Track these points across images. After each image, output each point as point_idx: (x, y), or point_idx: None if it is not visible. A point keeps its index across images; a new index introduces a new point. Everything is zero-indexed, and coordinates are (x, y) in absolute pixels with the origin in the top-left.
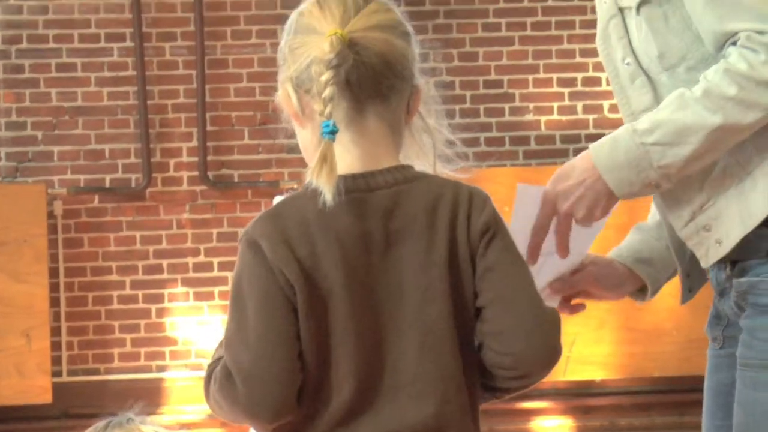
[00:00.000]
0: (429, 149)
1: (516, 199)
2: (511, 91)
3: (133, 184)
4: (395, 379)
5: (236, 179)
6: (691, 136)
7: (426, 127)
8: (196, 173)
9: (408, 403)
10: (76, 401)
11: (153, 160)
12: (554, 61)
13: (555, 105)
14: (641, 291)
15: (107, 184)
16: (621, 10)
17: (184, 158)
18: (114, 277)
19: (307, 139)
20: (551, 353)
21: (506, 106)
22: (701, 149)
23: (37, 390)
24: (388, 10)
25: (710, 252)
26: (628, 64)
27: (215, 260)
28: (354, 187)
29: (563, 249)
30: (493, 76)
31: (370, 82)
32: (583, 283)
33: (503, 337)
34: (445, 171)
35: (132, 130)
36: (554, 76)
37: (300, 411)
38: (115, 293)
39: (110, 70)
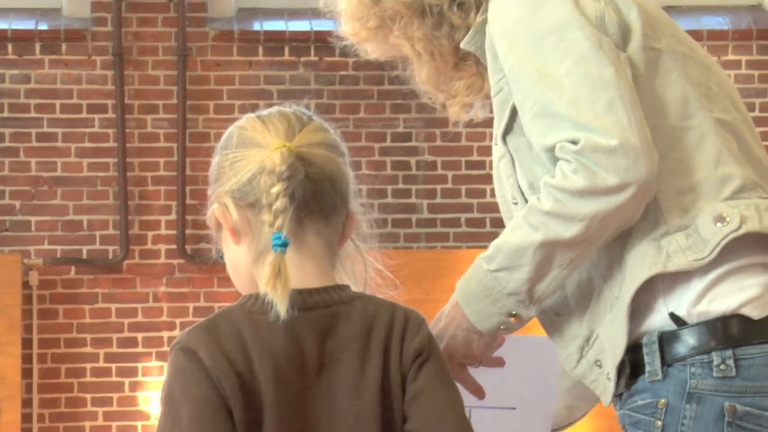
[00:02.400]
0: (359, 276)
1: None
2: (492, 172)
3: (110, 256)
4: None
5: (214, 254)
6: (523, 257)
7: (358, 252)
8: (174, 246)
9: None
10: None
11: (131, 232)
12: None
13: None
14: None
15: (84, 256)
16: (509, 150)
17: (163, 231)
18: (88, 349)
19: (239, 256)
20: None
21: (487, 188)
22: (536, 270)
23: None
24: (328, 130)
25: (606, 390)
26: (515, 203)
27: None
28: (293, 304)
29: (476, 393)
30: (475, 157)
31: (314, 198)
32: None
33: None
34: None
35: (111, 202)
36: None
37: None
38: (88, 366)
39: (91, 141)
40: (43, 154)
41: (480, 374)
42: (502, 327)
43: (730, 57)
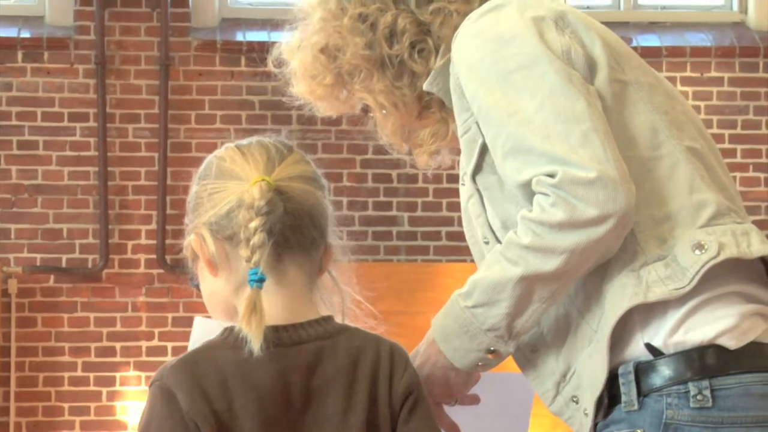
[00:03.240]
0: (337, 307)
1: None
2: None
3: (89, 265)
4: None
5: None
6: (502, 293)
7: (335, 284)
8: (153, 256)
9: None
10: None
11: (111, 241)
12: None
13: None
14: None
15: (64, 264)
16: (478, 189)
17: (143, 241)
18: (66, 358)
19: (217, 288)
20: None
21: None
22: (516, 305)
23: None
24: (308, 162)
25: (583, 426)
26: (486, 242)
27: (169, 345)
28: (277, 340)
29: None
30: (457, 171)
31: (293, 233)
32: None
33: None
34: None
35: (91, 211)
36: None
37: None
38: (66, 374)
39: (72, 149)
40: (24, 162)
41: (454, 411)
42: (480, 363)
43: (713, 74)
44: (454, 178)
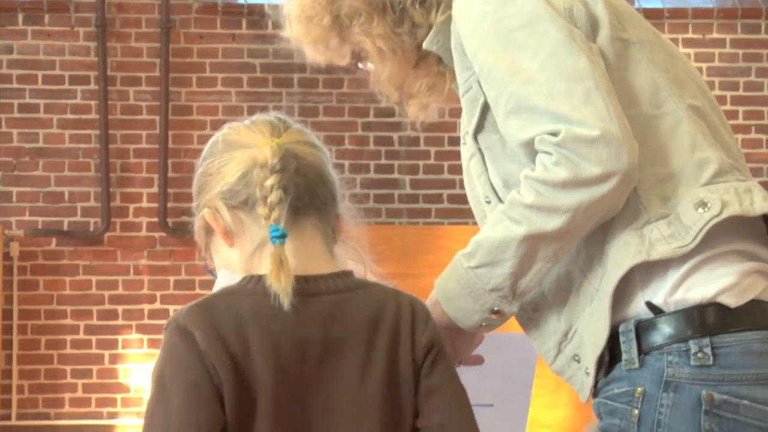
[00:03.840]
0: (360, 275)
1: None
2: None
3: (91, 228)
4: None
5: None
6: (505, 252)
7: (356, 252)
8: (155, 219)
9: None
10: None
11: (113, 204)
12: None
13: None
14: None
15: (65, 227)
16: (479, 149)
17: (144, 204)
18: (68, 321)
19: (233, 258)
20: None
21: None
22: (520, 264)
23: None
24: (310, 133)
25: (584, 385)
26: (488, 202)
27: (171, 307)
28: (296, 290)
29: None
30: (458, 133)
31: (306, 192)
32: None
33: None
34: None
35: (92, 174)
36: None
37: None
38: (68, 337)
39: (73, 112)
40: (25, 125)
41: (459, 373)
42: (483, 324)
43: (715, 35)
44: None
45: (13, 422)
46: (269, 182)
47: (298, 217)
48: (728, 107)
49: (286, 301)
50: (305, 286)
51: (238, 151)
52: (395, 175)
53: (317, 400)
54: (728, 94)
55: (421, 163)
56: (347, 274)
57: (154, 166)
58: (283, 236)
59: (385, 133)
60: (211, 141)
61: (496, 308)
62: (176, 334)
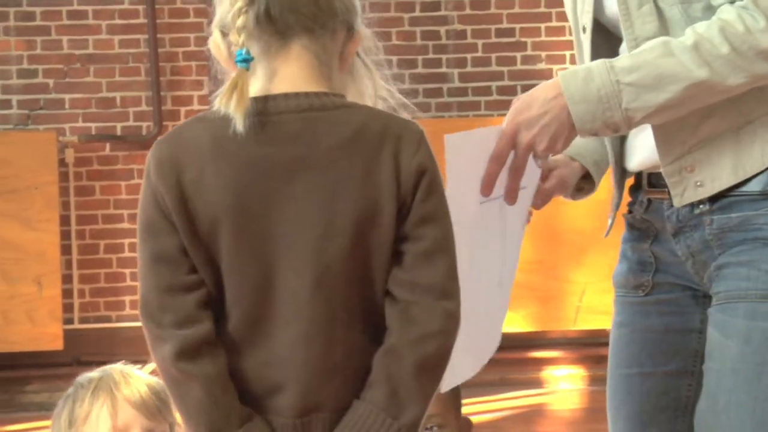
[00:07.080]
0: (368, 97)
1: (447, 153)
2: (523, 39)
3: (144, 132)
4: (283, 316)
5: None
6: (671, 85)
7: (368, 70)
8: None
9: (294, 342)
10: (87, 348)
11: (164, 108)
12: None
13: (567, 54)
14: (580, 191)
15: (118, 132)
16: None
17: (195, 106)
18: (125, 225)
19: None
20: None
21: (518, 55)
22: (676, 100)
23: (49, 337)
24: None
25: (687, 192)
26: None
27: None
28: (257, 110)
29: (513, 190)
30: (505, 25)
31: (291, 12)
32: (555, 190)
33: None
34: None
35: (143, 78)
36: (567, 24)
37: (206, 326)
38: (126, 241)
39: (121, 17)
40: (74, 32)
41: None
42: (594, 133)
43: None
44: (503, 33)
45: (76, 326)
46: (237, 6)
47: (288, 40)
48: None
49: (239, 123)
50: (272, 104)
51: None
52: (443, 69)
53: (282, 217)
54: None
55: (468, 56)
56: (329, 95)
57: (203, 69)
58: (245, 60)
59: (432, 28)
60: None
61: (614, 125)
62: (145, 170)
